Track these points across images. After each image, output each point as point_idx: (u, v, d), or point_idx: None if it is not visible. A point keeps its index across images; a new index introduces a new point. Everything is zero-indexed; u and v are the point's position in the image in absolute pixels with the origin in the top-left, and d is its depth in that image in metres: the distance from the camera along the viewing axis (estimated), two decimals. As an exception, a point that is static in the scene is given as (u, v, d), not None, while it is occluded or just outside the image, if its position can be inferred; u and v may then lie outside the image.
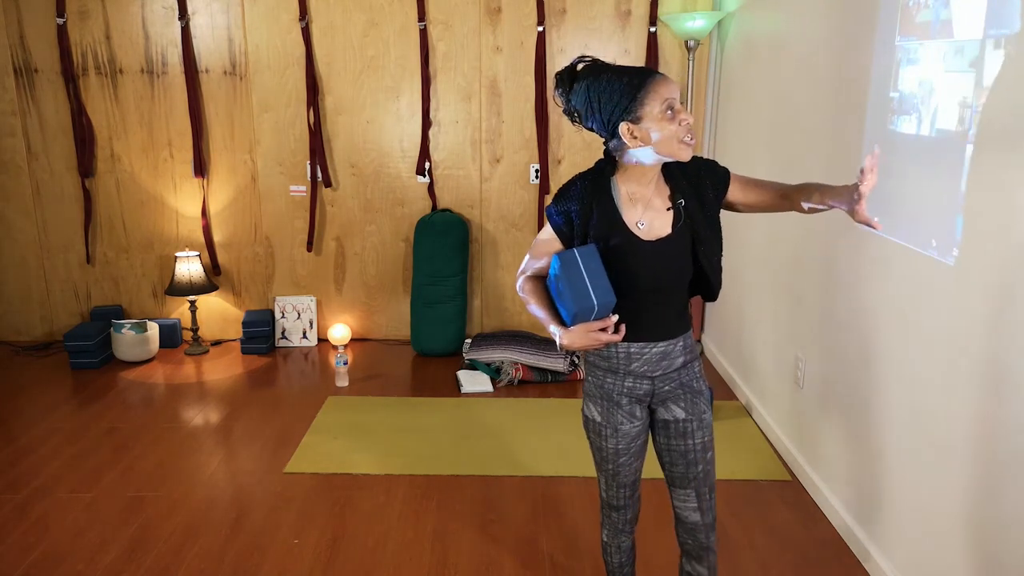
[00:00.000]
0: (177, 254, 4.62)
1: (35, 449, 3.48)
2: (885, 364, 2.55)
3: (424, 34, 4.51)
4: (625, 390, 1.92)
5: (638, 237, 1.82)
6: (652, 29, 4.48)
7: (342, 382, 4.23)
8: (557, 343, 1.84)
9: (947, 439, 2.19)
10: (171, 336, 4.79)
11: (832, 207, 1.71)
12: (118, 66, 4.54)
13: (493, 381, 4.23)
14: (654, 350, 1.88)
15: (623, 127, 1.71)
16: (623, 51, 4.54)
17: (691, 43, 4.33)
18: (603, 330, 1.79)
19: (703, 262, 1.86)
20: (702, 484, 1.96)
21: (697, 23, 4.20)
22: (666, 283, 1.85)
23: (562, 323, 1.86)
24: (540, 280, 1.97)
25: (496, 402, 4.01)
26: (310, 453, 3.45)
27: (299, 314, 4.88)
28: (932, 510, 2.27)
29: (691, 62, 4.42)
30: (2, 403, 4.01)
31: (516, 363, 4.26)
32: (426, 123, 4.63)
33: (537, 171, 4.70)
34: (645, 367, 1.89)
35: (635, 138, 1.71)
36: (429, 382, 4.30)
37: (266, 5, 4.49)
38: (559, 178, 4.70)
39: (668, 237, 1.82)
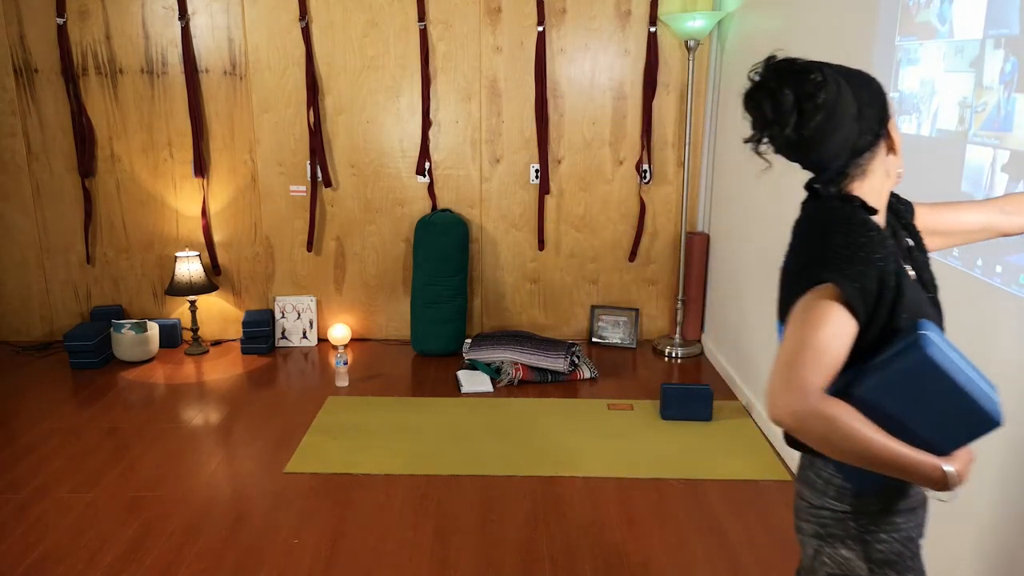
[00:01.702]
0: (177, 254, 4.62)
1: (35, 449, 3.48)
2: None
3: (424, 34, 4.51)
4: (924, 533, 1.38)
5: (929, 296, 1.33)
6: (652, 29, 4.48)
7: (342, 382, 4.23)
8: (947, 481, 1.18)
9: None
10: (171, 336, 4.79)
11: None
12: (118, 66, 4.54)
13: (493, 381, 4.23)
14: None
15: (892, 125, 1.31)
16: (623, 51, 4.54)
17: (691, 43, 4.33)
18: None
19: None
20: None
21: (697, 23, 4.20)
22: None
23: (925, 447, 1.20)
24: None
25: (496, 402, 4.01)
26: (310, 453, 3.45)
27: (299, 314, 4.88)
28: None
29: (691, 62, 4.42)
30: (2, 403, 4.01)
31: (516, 363, 4.26)
32: (426, 123, 4.63)
33: (537, 171, 4.70)
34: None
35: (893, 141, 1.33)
36: (429, 382, 4.30)
37: (266, 5, 4.49)
38: (559, 178, 4.70)
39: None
